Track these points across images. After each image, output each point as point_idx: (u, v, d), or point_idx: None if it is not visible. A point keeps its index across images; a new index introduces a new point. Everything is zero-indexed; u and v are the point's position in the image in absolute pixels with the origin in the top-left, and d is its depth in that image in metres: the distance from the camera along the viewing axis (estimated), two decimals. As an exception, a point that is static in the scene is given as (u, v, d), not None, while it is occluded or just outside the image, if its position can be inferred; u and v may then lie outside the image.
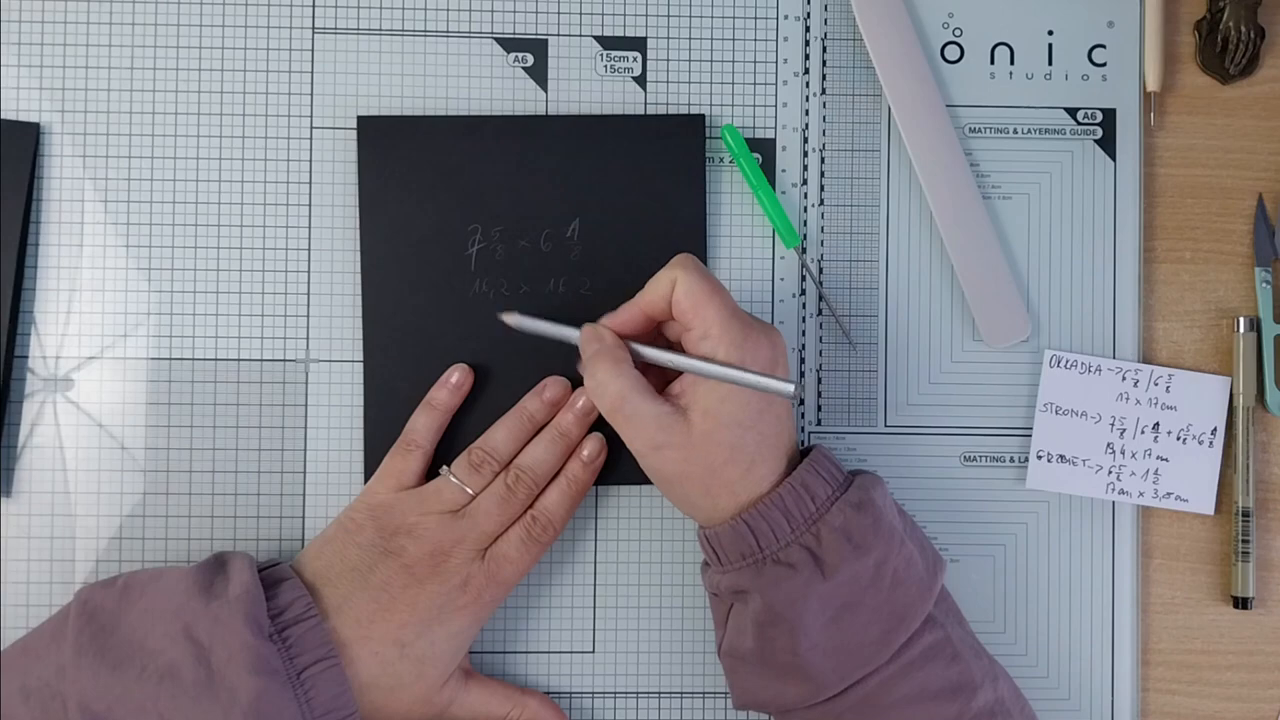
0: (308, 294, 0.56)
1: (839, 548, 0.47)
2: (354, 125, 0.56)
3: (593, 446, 0.54)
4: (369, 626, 0.49)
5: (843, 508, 0.48)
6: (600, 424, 0.53)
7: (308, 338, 0.56)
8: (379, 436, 0.55)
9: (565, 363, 0.55)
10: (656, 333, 0.53)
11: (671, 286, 0.49)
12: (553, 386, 0.54)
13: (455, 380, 0.54)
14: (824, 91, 0.58)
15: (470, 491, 0.52)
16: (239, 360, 0.56)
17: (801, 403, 0.57)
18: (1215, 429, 0.57)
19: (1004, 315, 0.57)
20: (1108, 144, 0.58)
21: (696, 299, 0.48)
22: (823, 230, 0.58)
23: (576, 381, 0.54)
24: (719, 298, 0.49)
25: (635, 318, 0.51)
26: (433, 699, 0.51)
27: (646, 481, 0.56)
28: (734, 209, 0.57)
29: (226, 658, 0.45)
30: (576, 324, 0.52)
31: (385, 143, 0.55)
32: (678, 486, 0.49)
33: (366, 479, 0.55)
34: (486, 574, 0.51)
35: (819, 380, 0.57)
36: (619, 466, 0.55)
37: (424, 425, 0.53)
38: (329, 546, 0.51)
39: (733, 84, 0.58)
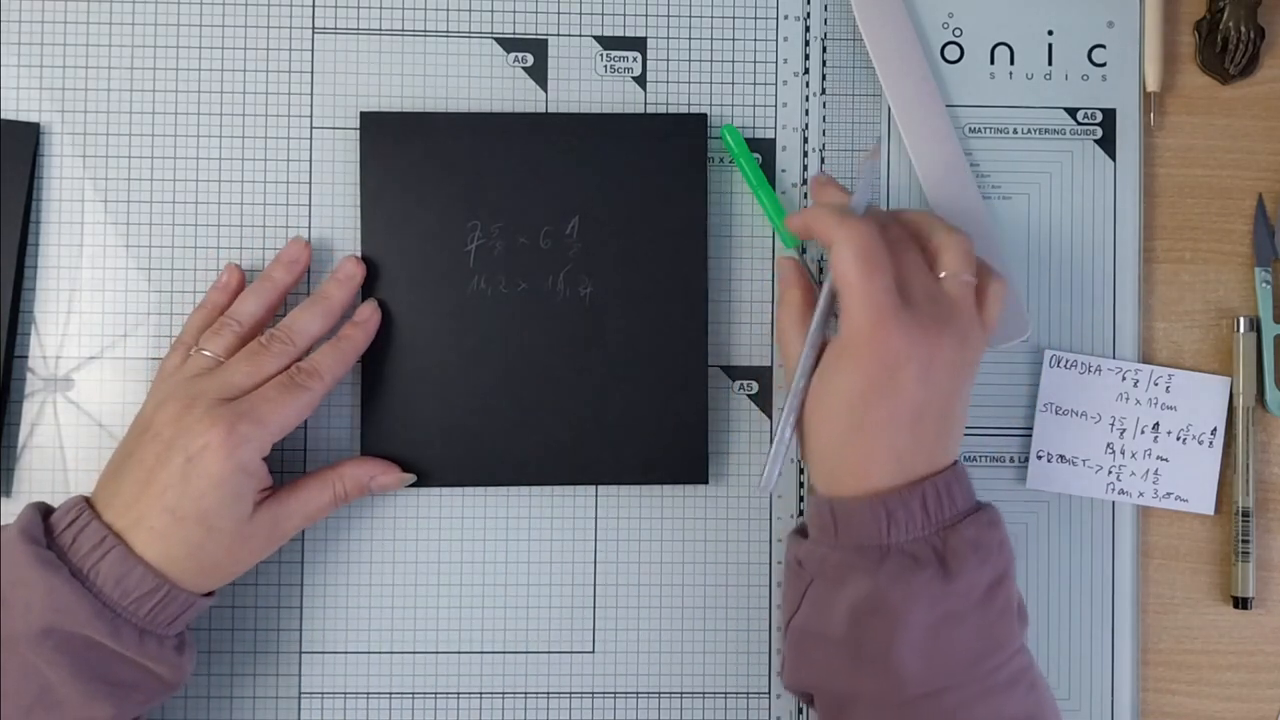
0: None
1: (965, 557, 0.47)
2: (354, 125, 0.56)
3: (366, 310, 0.54)
4: (137, 506, 0.47)
5: (977, 520, 0.48)
6: (594, 446, 0.53)
7: (308, 338, 0.56)
8: (377, 433, 0.55)
9: (562, 357, 0.55)
10: None
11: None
12: (293, 247, 0.55)
13: (223, 280, 0.54)
14: (824, 91, 0.58)
15: (212, 354, 0.51)
16: (239, 360, 0.56)
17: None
18: (1215, 429, 0.57)
19: (1005, 315, 0.57)
20: (1108, 144, 0.58)
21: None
22: (823, 230, 0.58)
23: (569, 402, 0.55)
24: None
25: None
26: (248, 537, 0.49)
27: (646, 481, 0.56)
28: (734, 209, 0.57)
29: (14, 578, 0.46)
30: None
31: (387, 138, 0.55)
32: (908, 415, 0.48)
33: (366, 479, 0.55)
34: (235, 411, 0.48)
35: (819, 380, 0.57)
36: (620, 466, 0.55)
37: (193, 323, 0.53)
38: (111, 459, 0.50)
39: (733, 84, 0.58)
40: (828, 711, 0.50)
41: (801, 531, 0.52)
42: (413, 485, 0.54)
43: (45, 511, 0.49)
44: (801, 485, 0.57)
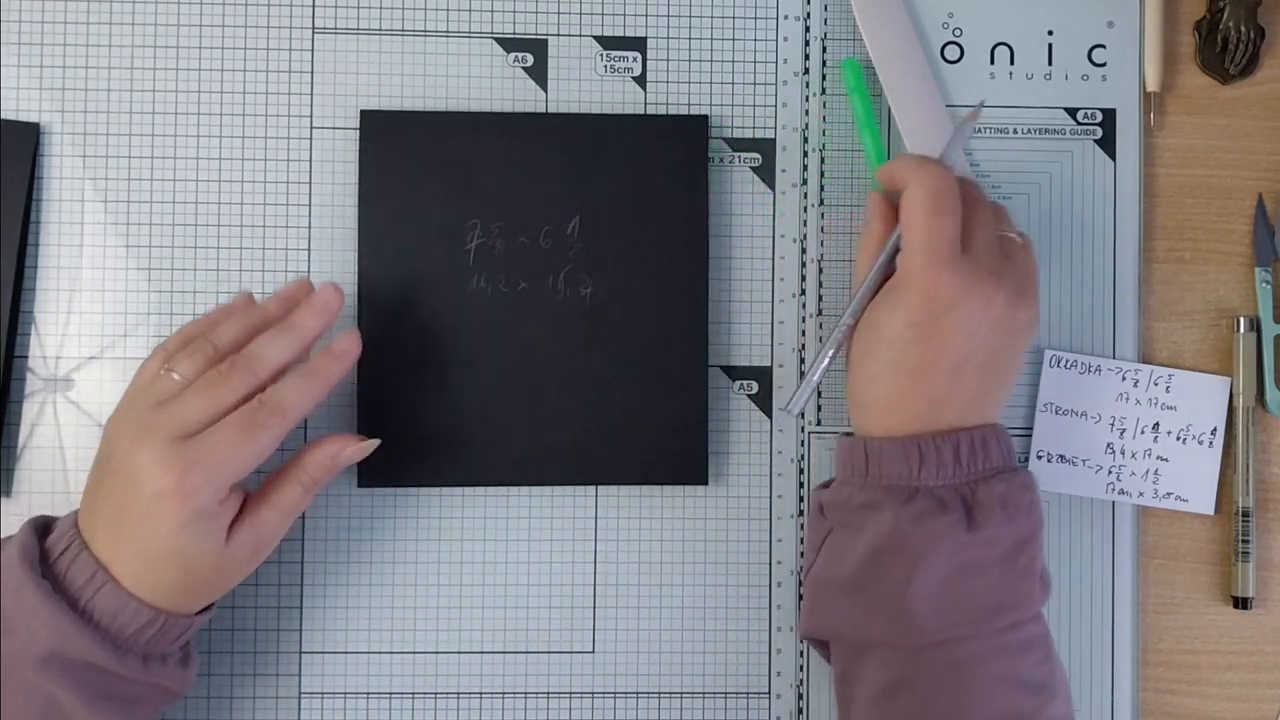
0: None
1: (992, 510, 0.47)
2: (354, 125, 0.56)
3: (345, 341, 0.50)
4: (114, 546, 0.46)
5: (1010, 479, 0.48)
6: (594, 446, 0.53)
7: (308, 338, 0.56)
8: (373, 431, 0.55)
9: (561, 353, 0.55)
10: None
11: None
12: (292, 286, 0.52)
13: (232, 303, 0.52)
14: (824, 91, 0.58)
15: (180, 377, 0.47)
16: (239, 360, 0.56)
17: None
18: (1215, 429, 0.57)
19: None
20: (1108, 144, 0.58)
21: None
22: (823, 230, 0.58)
23: (568, 402, 0.55)
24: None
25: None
26: (230, 559, 0.48)
27: (646, 482, 0.56)
28: (734, 209, 0.57)
29: (16, 603, 0.45)
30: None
31: (387, 137, 0.55)
32: (949, 361, 0.48)
33: (361, 478, 0.55)
34: (188, 460, 0.45)
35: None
36: (620, 466, 0.55)
37: (179, 335, 0.50)
38: (90, 475, 0.49)
39: (733, 84, 0.58)
40: (842, 659, 0.50)
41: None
42: (413, 485, 0.54)
43: (42, 529, 0.48)
44: (802, 485, 0.57)
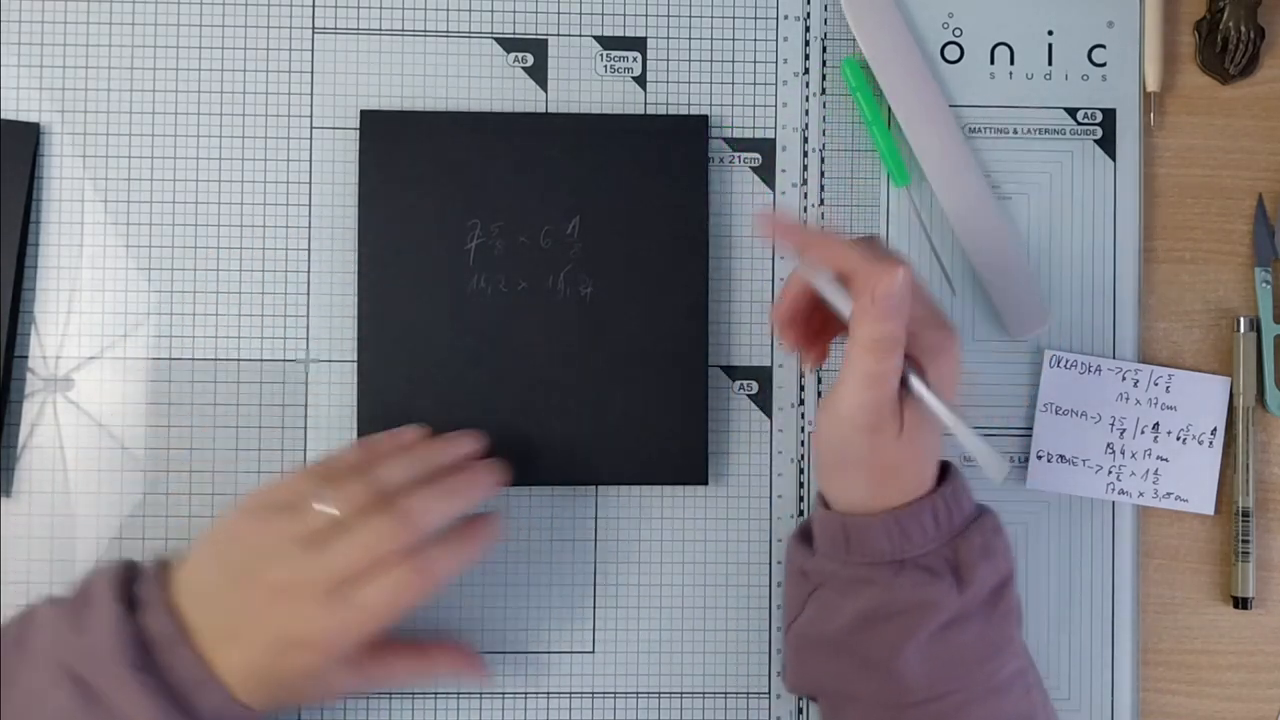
0: (308, 294, 0.56)
1: (976, 565, 0.47)
2: (354, 125, 0.56)
3: (495, 522, 0.51)
4: (228, 650, 0.46)
5: (983, 527, 0.48)
6: (594, 445, 0.53)
7: (307, 338, 0.56)
8: (372, 431, 0.55)
9: (564, 358, 0.55)
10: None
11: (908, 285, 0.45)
12: (467, 443, 0.52)
13: (406, 438, 0.52)
14: (824, 91, 0.58)
15: (336, 513, 0.47)
16: (239, 360, 0.56)
17: (801, 403, 0.57)
18: (1215, 429, 0.57)
19: (1025, 307, 0.57)
20: (1108, 144, 0.58)
21: (941, 326, 0.48)
22: (822, 230, 0.58)
23: (568, 402, 0.54)
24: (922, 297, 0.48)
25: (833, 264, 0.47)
26: (333, 695, 0.50)
27: (646, 482, 0.56)
28: (734, 209, 0.57)
29: (111, 692, 0.45)
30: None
31: (387, 137, 0.55)
32: (851, 472, 0.47)
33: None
34: (338, 619, 0.46)
35: (819, 380, 0.57)
36: (620, 466, 0.55)
37: (344, 463, 0.50)
38: (201, 553, 0.48)
39: (733, 84, 0.58)
40: (828, 710, 0.50)
41: (802, 536, 0.52)
42: None
43: (129, 591, 0.47)
44: (802, 485, 0.57)
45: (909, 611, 0.47)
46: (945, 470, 0.50)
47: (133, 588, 0.47)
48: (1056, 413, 0.57)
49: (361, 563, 0.46)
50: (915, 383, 0.47)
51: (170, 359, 0.56)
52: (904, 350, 0.46)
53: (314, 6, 0.57)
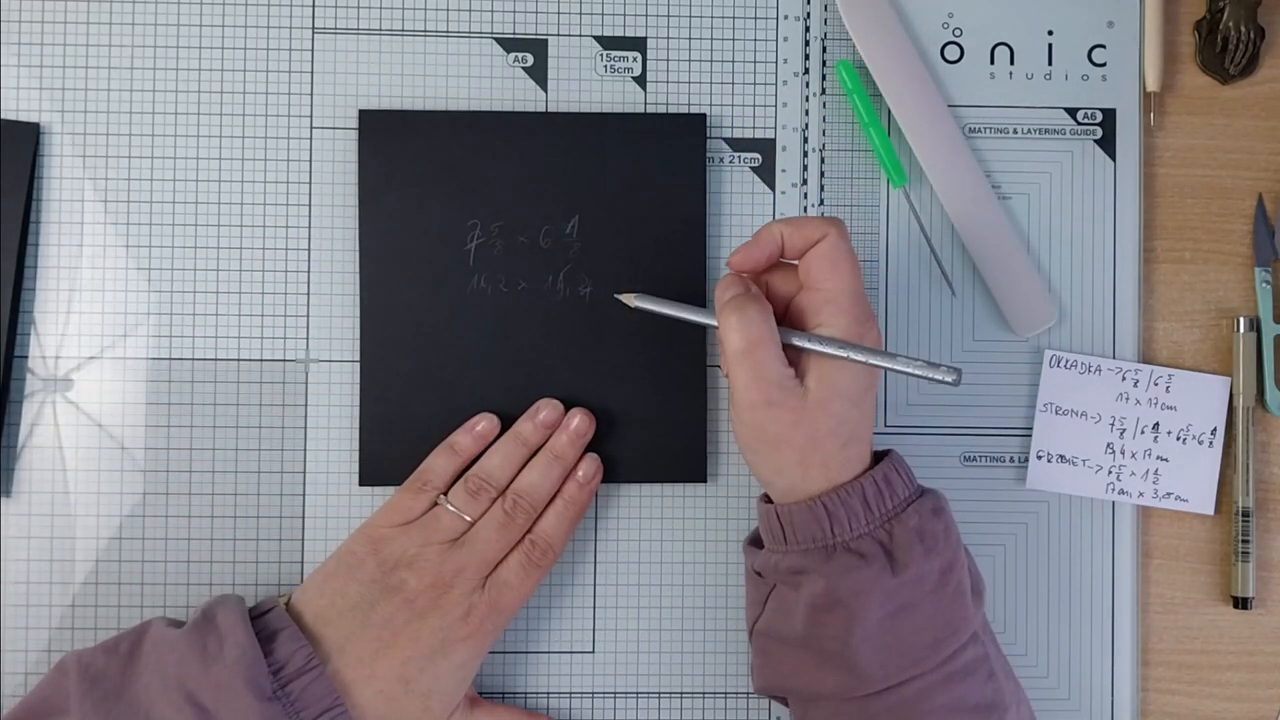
0: (308, 294, 0.56)
1: (911, 547, 0.47)
2: (354, 125, 0.56)
3: (589, 467, 0.54)
4: (372, 665, 0.48)
5: (920, 509, 0.48)
6: (594, 445, 0.54)
7: (307, 338, 0.56)
8: (374, 431, 0.55)
9: (564, 358, 0.55)
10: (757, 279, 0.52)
11: (820, 239, 0.48)
12: (547, 410, 0.54)
13: (480, 429, 0.54)
14: (824, 91, 0.58)
15: (469, 519, 0.51)
16: (239, 360, 0.56)
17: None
18: (1215, 429, 0.57)
19: (1030, 304, 0.57)
20: (1108, 144, 0.58)
21: (839, 262, 0.48)
22: (823, 230, 0.58)
23: (568, 403, 0.54)
24: (858, 271, 0.48)
25: (763, 255, 0.50)
26: (445, 713, 0.50)
27: (646, 481, 0.56)
28: (734, 209, 0.57)
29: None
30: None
31: (386, 137, 0.55)
32: (773, 452, 0.48)
33: (362, 477, 0.55)
34: (488, 603, 0.50)
35: (819, 380, 0.57)
36: (620, 466, 0.55)
37: (441, 467, 0.53)
38: (329, 583, 0.50)
39: (733, 84, 0.58)
40: (797, 709, 0.51)
41: (755, 541, 0.53)
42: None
43: (255, 621, 0.48)
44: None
45: (847, 597, 0.47)
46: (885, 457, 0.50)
47: (259, 619, 0.49)
48: (1056, 413, 0.57)
49: (501, 552, 0.51)
50: (795, 337, 0.48)
51: (170, 359, 0.56)
52: (770, 315, 0.48)
53: (314, 6, 0.57)
